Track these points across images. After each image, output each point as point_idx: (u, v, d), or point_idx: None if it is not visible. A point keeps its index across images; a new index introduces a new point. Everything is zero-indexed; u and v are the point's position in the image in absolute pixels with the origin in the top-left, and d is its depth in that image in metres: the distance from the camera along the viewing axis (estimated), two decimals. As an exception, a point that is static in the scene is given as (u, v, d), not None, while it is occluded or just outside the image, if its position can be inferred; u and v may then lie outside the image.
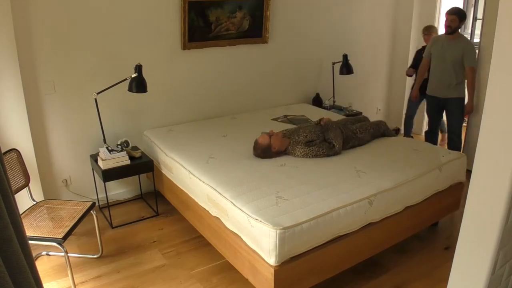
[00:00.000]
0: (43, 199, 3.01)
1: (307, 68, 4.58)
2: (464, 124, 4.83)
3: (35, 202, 2.77)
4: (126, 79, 3.17)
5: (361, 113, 4.55)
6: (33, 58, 3.07)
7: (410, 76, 4.75)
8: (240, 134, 3.44)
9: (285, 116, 3.90)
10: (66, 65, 3.21)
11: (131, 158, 3.25)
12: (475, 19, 5.92)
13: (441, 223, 3.27)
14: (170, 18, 3.57)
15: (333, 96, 4.62)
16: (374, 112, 5.38)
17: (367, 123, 3.35)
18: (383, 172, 2.70)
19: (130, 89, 3.15)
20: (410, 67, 4.69)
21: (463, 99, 3.93)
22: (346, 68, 4.44)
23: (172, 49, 3.66)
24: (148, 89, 3.19)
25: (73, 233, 2.54)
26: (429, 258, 2.87)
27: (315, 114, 4.06)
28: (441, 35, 3.94)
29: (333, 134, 3.02)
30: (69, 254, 2.46)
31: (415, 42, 5.09)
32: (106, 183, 3.20)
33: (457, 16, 3.67)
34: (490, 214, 1.43)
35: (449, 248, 2.97)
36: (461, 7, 6.17)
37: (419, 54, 4.49)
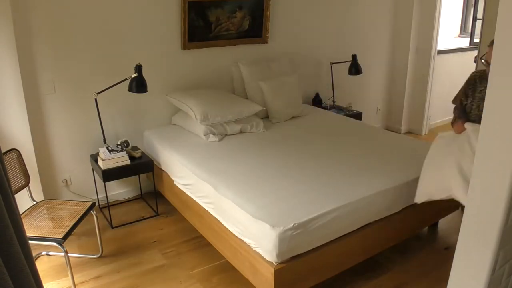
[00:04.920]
0: (43, 199, 3.01)
1: (307, 68, 4.58)
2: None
3: (35, 202, 2.77)
4: (126, 79, 3.17)
5: (361, 113, 4.55)
6: (33, 58, 3.07)
7: None
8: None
9: None
10: (66, 65, 3.21)
11: (131, 158, 3.25)
12: (475, 19, 5.92)
13: (441, 223, 3.27)
14: (170, 18, 3.57)
15: (333, 96, 4.62)
16: (374, 112, 5.38)
17: None
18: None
19: (130, 89, 3.15)
20: None
21: None
22: (355, 68, 4.43)
23: (172, 49, 3.66)
24: (148, 89, 3.19)
25: (73, 233, 2.54)
26: (429, 258, 2.87)
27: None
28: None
29: None
30: (69, 254, 2.46)
31: (415, 41, 5.09)
32: (106, 183, 3.20)
33: None
34: (490, 214, 1.43)
35: (449, 248, 2.97)
36: (461, 7, 6.18)
37: None
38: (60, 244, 2.38)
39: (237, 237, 2.36)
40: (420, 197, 2.51)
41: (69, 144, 3.38)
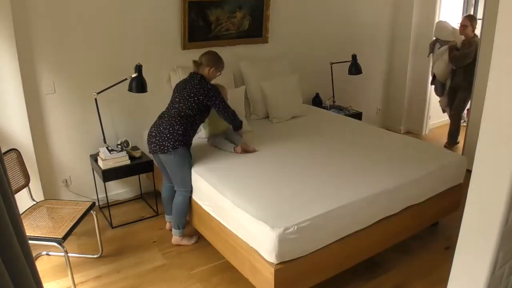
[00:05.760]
0: (43, 199, 3.01)
1: (307, 68, 4.58)
2: (464, 124, 4.84)
3: (35, 202, 2.77)
4: (126, 79, 3.17)
5: (361, 113, 4.55)
6: (33, 58, 3.07)
7: None
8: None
9: None
10: (66, 65, 3.21)
11: (131, 158, 3.25)
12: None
13: (441, 223, 3.27)
14: (170, 18, 3.57)
15: (333, 96, 4.62)
16: (374, 112, 5.38)
17: None
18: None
19: (130, 89, 3.14)
20: None
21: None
22: (355, 68, 4.43)
23: (172, 49, 3.66)
24: (148, 89, 3.19)
25: (73, 233, 2.54)
26: (429, 258, 2.87)
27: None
28: None
29: None
30: (69, 254, 2.46)
31: (415, 41, 5.09)
32: (106, 183, 3.20)
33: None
34: (490, 214, 1.43)
35: (449, 248, 2.97)
36: (461, 7, 6.17)
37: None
38: (60, 244, 2.38)
39: (237, 237, 2.36)
40: None
41: (69, 144, 3.38)
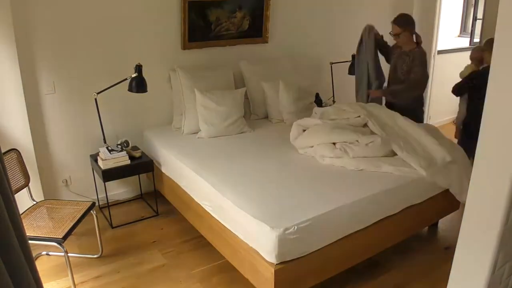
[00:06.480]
0: (43, 199, 3.01)
1: (307, 68, 4.57)
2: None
3: (35, 202, 2.77)
4: (126, 79, 3.17)
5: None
6: (33, 58, 3.07)
7: None
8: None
9: None
10: (66, 65, 3.21)
11: (131, 158, 3.25)
12: (475, 19, 5.93)
13: (441, 223, 3.28)
14: (170, 18, 3.57)
15: (333, 96, 4.61)
16: (374, 112, 5.37)
17: None
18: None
19: (130, 89, 3.15)
20: None
21: None
22: (355, 68, 4.42)
23: (172, 49, 3.66)
24: (148, 89, 3.19)
25: (73, 233, 2.54)
26: (429, 258, 2.87)
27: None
28: None
29: None
30: (69, 254, 2.46)
31: (415, 42, 5.08)
32: (106, 183, 3.20)
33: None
34: (490, 214, 1.43)
35: (449, 248, 2.97)
36: (461, 7, 6.17)
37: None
38: (60, 244, 2.38)
39: (237, 237, 2.36)
40: None
41: (69, 144, 3.38)
